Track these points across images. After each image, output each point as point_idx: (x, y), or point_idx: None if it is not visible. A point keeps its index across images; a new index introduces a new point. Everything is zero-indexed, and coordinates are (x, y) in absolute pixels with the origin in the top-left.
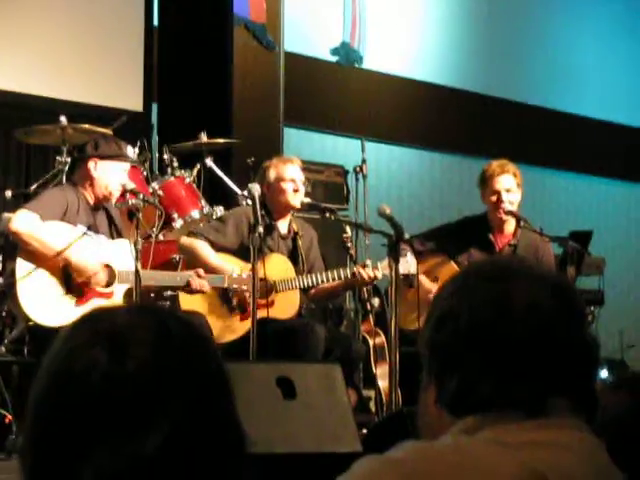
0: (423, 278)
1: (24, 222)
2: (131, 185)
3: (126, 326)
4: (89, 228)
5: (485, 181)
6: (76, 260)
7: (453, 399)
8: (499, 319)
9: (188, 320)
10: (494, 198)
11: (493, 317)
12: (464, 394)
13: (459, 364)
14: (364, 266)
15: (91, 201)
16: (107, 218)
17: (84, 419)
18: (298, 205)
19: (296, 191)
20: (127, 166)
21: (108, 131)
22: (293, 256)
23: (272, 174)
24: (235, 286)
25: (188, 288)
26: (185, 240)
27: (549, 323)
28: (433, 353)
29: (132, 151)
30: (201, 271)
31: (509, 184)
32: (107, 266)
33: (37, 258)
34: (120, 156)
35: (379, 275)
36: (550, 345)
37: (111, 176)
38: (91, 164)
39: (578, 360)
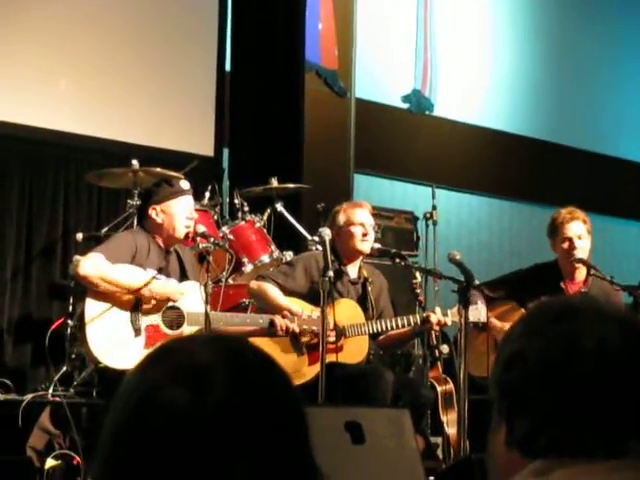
0: (494, 320)
1: (92, 265)
2: (202, 229)
3: (205, 363)
4: (160, 270)
5: (555, 229)
6: (159, 288)
7: (524, 441)
8: (568, 359)
9: (266, 355)
10: (566, 245)
11: (562, 357)
12: (536, 436)
13: (530, 406)
14: (434, 312)
15: (163, 245)
16: (178, 261)
17: (163, 455)
18: (367, 250)
19: (365, 235)
20: (187, 199)
21: (178, 175)
22: (362, 302)
23: (342, 218)
24: (305, 327)
25: (273, 329)
26: (254, 284)
27: (619, 360)
28: (503, 394)
29: (186, 183)
30: (287, 313)
31: (580, 230)
32: (176, 308)
33: (106, 298)
34: (174, 194)
35: (449, 321)
36: (621, 383)
37: (174, 215)
38: (152, 212)
39: None
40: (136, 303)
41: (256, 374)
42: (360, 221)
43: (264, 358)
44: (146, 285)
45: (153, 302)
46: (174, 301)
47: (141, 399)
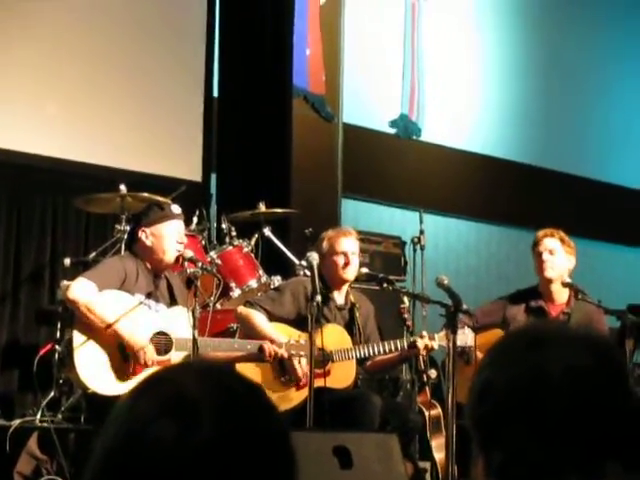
0: (479, 354)
1: (81, 291)
2: (190, 253)
3: (194, 396)
4: (149, 295)
5: (533, 248)
6: (123, 333)
7: (500, 472)
8: (537, 388)
9: (254, 386)
10: (537, 261)
11: (531, 387)
12: (510, 466)
13: (502, 437)
14: (421, 337)
15: (152, 270)
16: (167, 287)
17: None
18: (350, 278)
19: (347, 265)
20: (177, 223)
21: (167, 200)
22: (350, 327)
23: (325, 246)
24: (293, 352)
25: (261, 355)
26: (242, 310)
27: (588, 386)
28: (476, 427)
29: (177, 208)
30: (274, 339)
31: (552, 246)
32: (164, 334)
33: (93, 328)
34: (165, 217)
35: (435, 345)
36: (590, 408)
37: (164, 238)
38: (142, 235)
39: (624, 421)
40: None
41: (244, 409)
42: (342, 250)
43: (253, 391)
44: (117, 322)
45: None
46: (133, 351)
47: (129, 432)
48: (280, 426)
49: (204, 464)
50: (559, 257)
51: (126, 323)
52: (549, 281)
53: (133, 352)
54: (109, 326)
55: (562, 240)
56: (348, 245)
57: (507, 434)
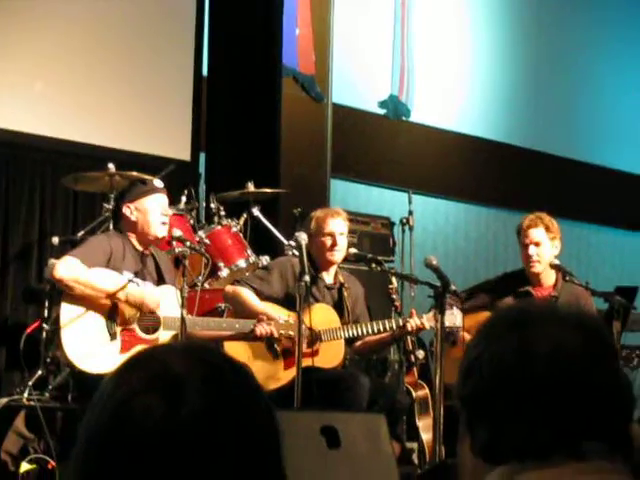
0: (466, 335)
1: (68, 269)
2: (178, 233)
3: (180, 374)
4: (136, 274)
5: (518, 235)
6: (132, 293)
7: (485, 448)
8: (521, 365)
9: (239, 365)
10: (524, 252)
11: (515, 364)
12: (494, 443)
13: (487, 414)
14: (411, 316)
15: (139, 247)
16: (155, 265)
17: (136, 463)
18: (337, 260)
19: (334, 246)
20: (160, 197)
21: (154, 178)
22: (338, 307)
23: (313, 226)
24: (282, 332)
25: (252, 335)
26: (230, 288)
27: (574, 365)
28: (463, 404)
29: (159, 182)
30: (263, 317)
31: (538, 237)
32: (152, 313)
33: (82, 302)
34: (147, 191)
35: (427, 325)
36: (577, 387)
37: (148, 211)
38: (126, 210)
39: (609, 401)
40: (112, 307)
41: (228, 384)
42: (329, 231)
43: (236, 367)
44: (122, 289)
45: (128, 308)
46: (150, 310)
47: (117, 406)
48: (264, 399)
49: (191, 437)
50: (545, 247)
51: (129, 289)
52: (537, 273)
53: (147, 309)
54: (108, 295)
55: (547, 228)
56: (335, 226)
57: (491, 411)
